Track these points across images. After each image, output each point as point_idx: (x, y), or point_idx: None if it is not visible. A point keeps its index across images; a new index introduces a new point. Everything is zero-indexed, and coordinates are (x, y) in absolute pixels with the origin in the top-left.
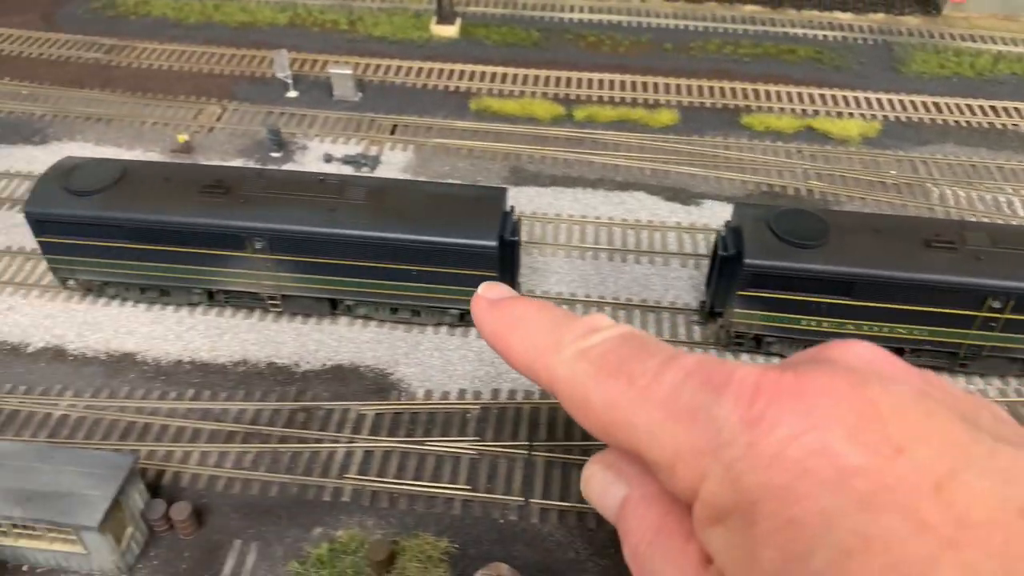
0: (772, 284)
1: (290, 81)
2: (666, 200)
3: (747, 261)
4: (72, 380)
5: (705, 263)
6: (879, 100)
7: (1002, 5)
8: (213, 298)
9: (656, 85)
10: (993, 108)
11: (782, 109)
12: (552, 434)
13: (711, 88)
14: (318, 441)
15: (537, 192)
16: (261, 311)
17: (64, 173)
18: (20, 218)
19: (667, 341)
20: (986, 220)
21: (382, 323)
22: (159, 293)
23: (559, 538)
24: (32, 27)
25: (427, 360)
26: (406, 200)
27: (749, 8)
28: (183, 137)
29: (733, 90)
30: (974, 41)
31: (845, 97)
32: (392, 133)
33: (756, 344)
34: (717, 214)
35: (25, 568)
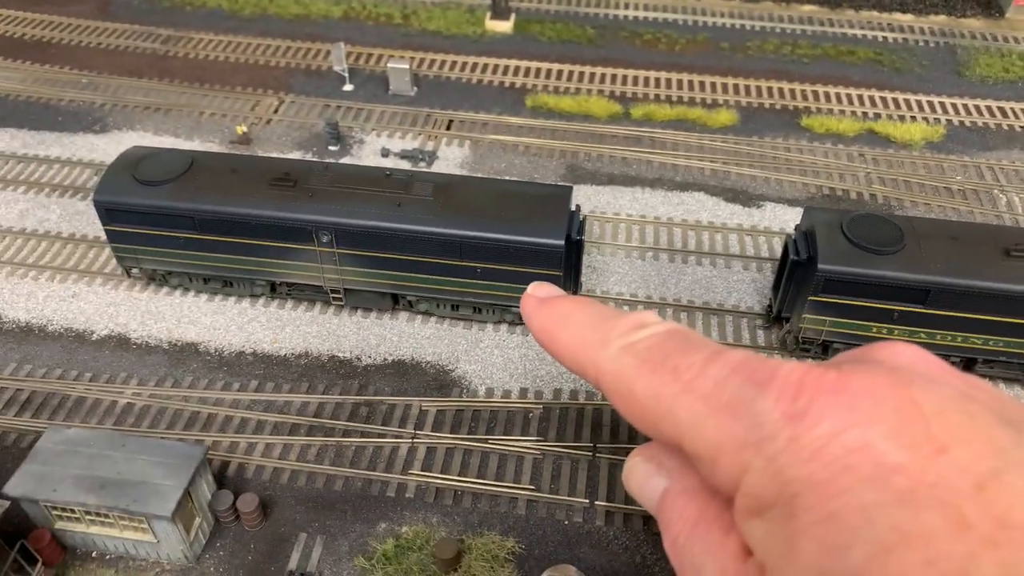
0: (845, 290)
1: (346, 74)
2: (727, 201)
3: (821, 266)
4: (136, 368)
5: (768, 266)
6: (942, 104)
7: None
8: (275, 290)
9: (714, 85)
10: None
11: (842, 111)
12: (616, 436)
13: (769, 89)
14: (381, 436)
15: (595, 190)
16: (322, 304)
17: (133, 162)
18: (83, 205)
19: (731, 345)
20: None
21: (442, 319)
22: (222, 284)
23: (625, 541)
24: (89, 16)
25: (488, 358)
26: (472, 197)
27: (807, 8)
28: (242, 128)
29: (792, 91)
30: None
31: (907, 100)
32: (448, 128)
33: (823, 351)
34: (779, 217)
35: (94, 554)
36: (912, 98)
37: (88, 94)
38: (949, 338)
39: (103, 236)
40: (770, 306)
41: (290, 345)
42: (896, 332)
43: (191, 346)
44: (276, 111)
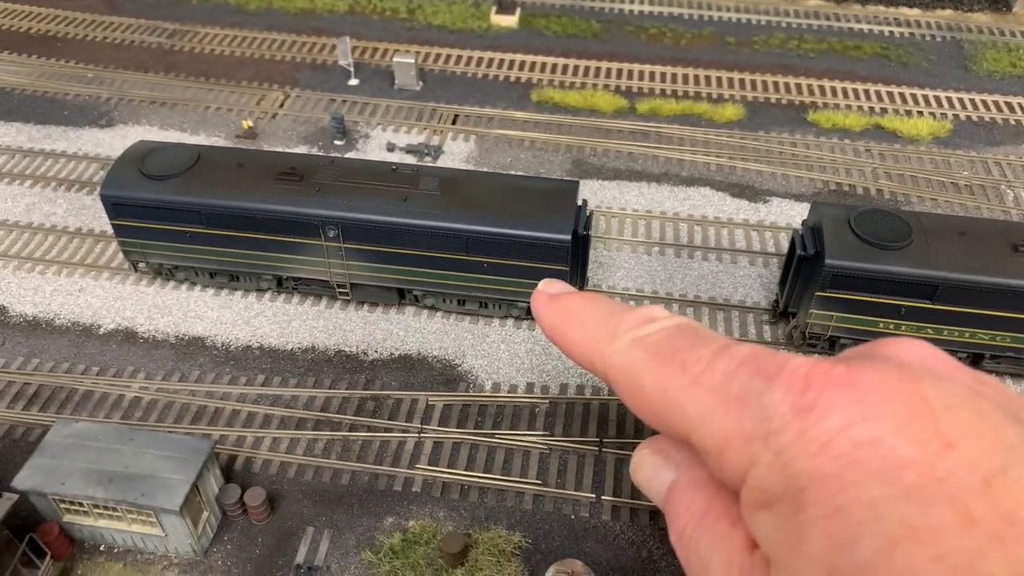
0: (852, 285)
1: (352, 69)
2: (733, 196)
3: (828, 261)
4: (143, 362)
5: (775, 261)
6: (949, 99)
7: None
8: (282, 285)
9: (719, 79)
10: None
11: (849, 106)
12: (622, 431)
13: (776, 83)
14: (387, 430)
15: (601, 185)
16: (328, 299)
17: (139, 157)
18: (90, 200)
19: (737, 340)
20: None
21: (448, 314)
22: (228, 279)
23: (632, 536)
24: (95, 11)
25: (494, 353)
26: (479, 191)
27: (813, 2)
28: (247, 123)
29: (798, 86)
30: None
31: (914, 95)
32: (454, 123)
33: (830, 346)
34: (786, 212)
35: (102, 548)
36: (919, 93)
37: (94, 88)
38: (956, 334)
39: (110, 230)
40: (776, 301)
41: (297, 339)
42: (903, 328)
43: (198, 340)
44: (282, 105)
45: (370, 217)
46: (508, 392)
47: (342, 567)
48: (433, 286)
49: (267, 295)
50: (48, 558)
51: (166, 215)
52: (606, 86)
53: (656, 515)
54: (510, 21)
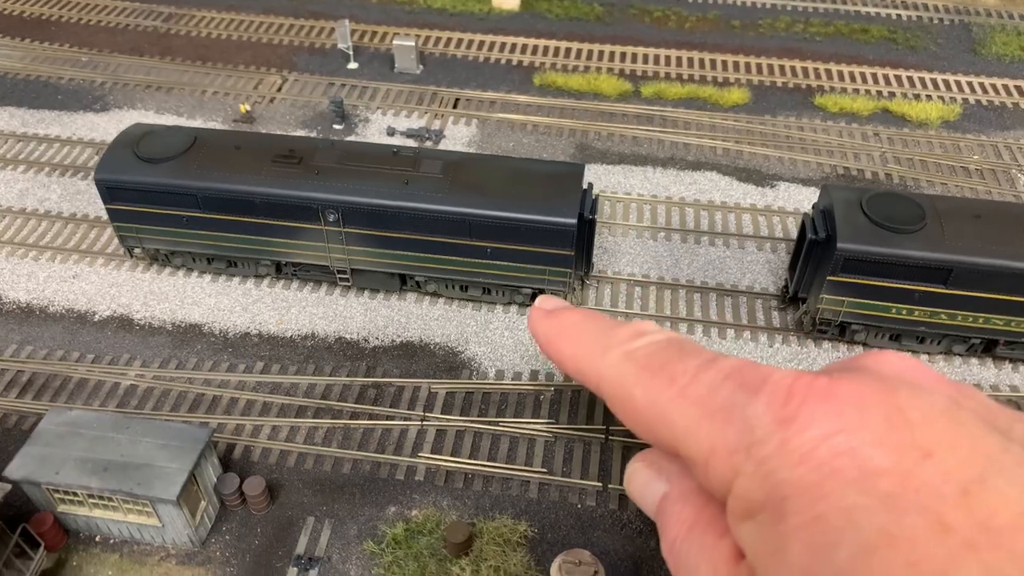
0: (865, 270)
1: (351, 52)
2: (740, 181)
3: (840, 245)
4: (139, 349)
5: (783, 247)
6: (958, 83)
7: None
8: (281, 271)
9: (725, 63)
10: None
11: (856, 90)
12: None
13: (782, 67)
14: (389, 418)
15: (606, 170)
16: (329, 285)
17: (134, 140)
18: (84, 185)
19: (745, 327)
20: None
21: (451, 300)
22: (226, 264)
23: (639, 526)
24: None
25: (498, 340)
26: (482, 175)
27: None
28: (245, 107)
29: (805, 69)
30: None
31: (922, 79)
32: (455, 107)
33: (840, 332)
34: (793, 197)
35: (98, 539)
36: (927, 76)
37: (89, 72)
38: (971, 319)
39: (104, 216)
40: (785, 287)
41: (296, 326)
42: (917, 313)
43: (195, 327)
44: (280, 90)
45: (371, 201)
46: (512, 380)
47: (343, 558)
48: (435, 272)
49: (266, 281)
50: (42, 549)
51: (162, 199)
52: (610, 69)
53: None
54: (512, 4)
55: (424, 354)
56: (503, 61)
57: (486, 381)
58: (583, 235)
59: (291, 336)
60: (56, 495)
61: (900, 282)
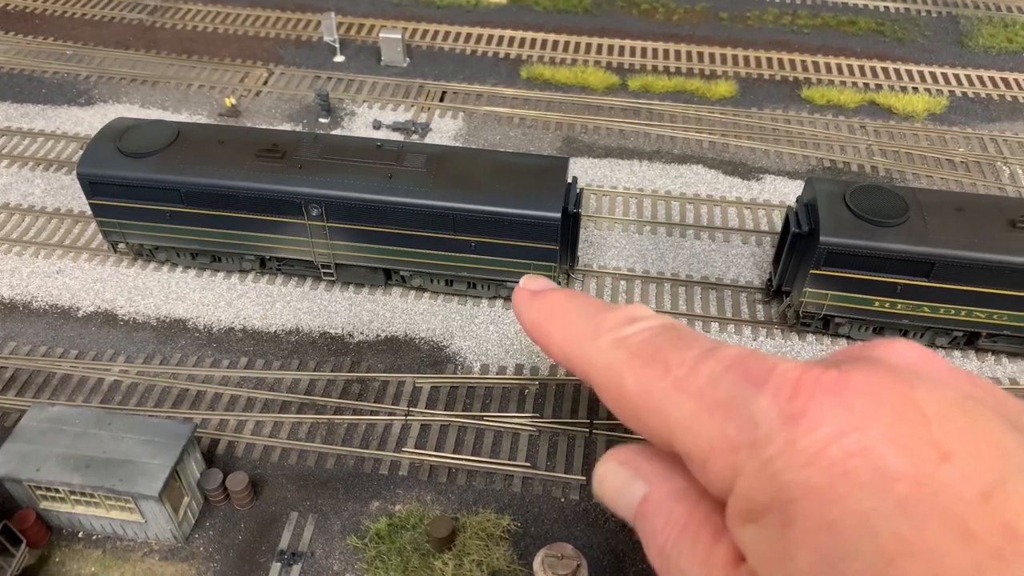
0: (848, 263)
1: (337, 45)
2: (725, 174)
3: (823, 238)
4: (123, 345)
5: (768, 240)
6: (945, 75)
7: None
8: (265, 265)
9: (712, 55)
10: None
11: (843, 83)
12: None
13: (769, 59)
14: (374, 413)
15: (592, 163)
16: (313, 280)
17: (117, 134)
18: (68, 180)
19: (730, 320)
20: None
21: (436, 295)
22: (210, 259)
23: (621, 520)
24: None
25: (483, 334)
26: (466, 169)
27: None
28: (231, 101)
29: (792, 62)
30: None
31: (909, 71)
32: (441, 100)
33: (824, 325)
34: (779, 190)
35: (80, 535)
36: (914, 69)
37: (73, 66)
38: (953, 312)
39: (88, 211)
40: (770, 280)
41: (280, 321)
42: (899, 306)
43: (179, 322)
44: (265, 83)
45: (354, 195)
46: (497, 374)
47: (327, 552)
48: (420, 266)
49: (250, 276)
50: (24, 546)
51: (145, 194)
52: (597, 62)
53: None
54: None
55: (409, 349)
56: (490, 54)
57: (471, 376)
58: (568, 229)
59: (275, 331)
60: (38, 492)
61: (883, 275)
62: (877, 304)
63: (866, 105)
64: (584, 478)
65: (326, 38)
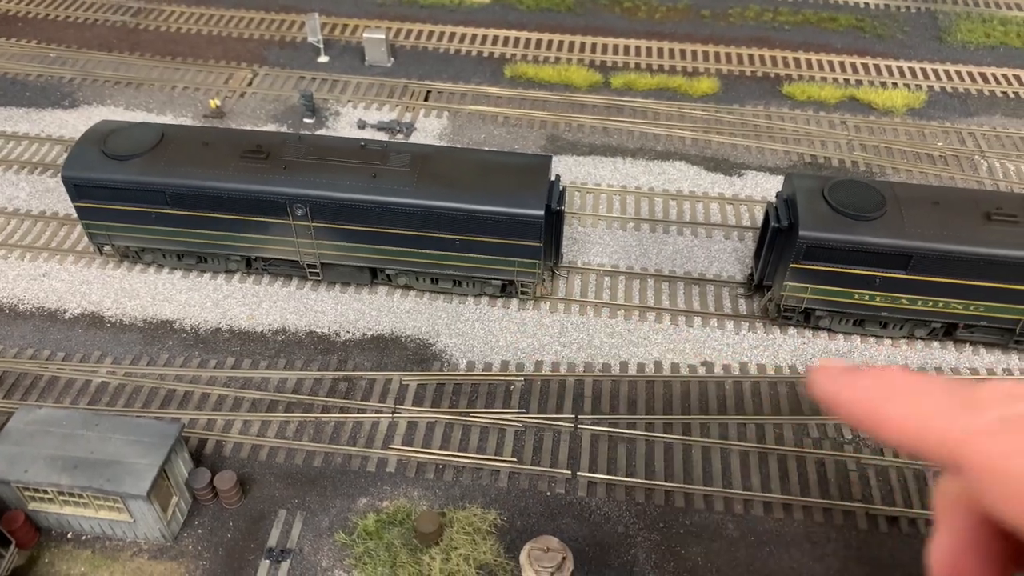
0: (827, 257)
1: (321, 46)
2: (708, 171)
3: (802, 233)
4: (110, 347)
5: (750, 235)
6: (923, 70)
7: None
8: (251, 266)
9: (695, 53)
10: None
11: (824, 79)
12: (597, 407)
13: (751, 56)
14: (361, 411)
15: (576, 161)
16: (299, 279)
17: (101, 137)
18: (53, 182)
19: (712, 314)
20: None
21: (421, 293)
22: (196, 260)
23: (607, 512)
24: None
25: (469, 331)
26: (450, 167)
27: None
28: (215, 102)
29: (773, 58)
30: (1021, 10)
31: (889, 67)
32: (426, 99)
33: (805, 318)
34: (761, 185)
35: (69, 535)
36: (894, 64)
37: (57, 69)
38: (931, 303)
39: (74, 214)
40: (752, 274)
41: (267, 321)
42: (879, 299)
43: (166, 323)
44: (250, 84)
45: (339, 195)
46: (483, 370)
47: (315, 549)
48: (405, 265)
49: (236, 277)
50: (13, 547)
51: (130, 196)
52: (580, 60)
53: (631, 490)
54: None
55: (395, 347)
56: (474, 53)
57: (457, 372)
58: (551, 226)
59: (262, 331)
60: (26, 493)
61: (861, 268)
62: (856, 297)
63: (846, 101)
64: (569, 472)
65: (310, 39)
